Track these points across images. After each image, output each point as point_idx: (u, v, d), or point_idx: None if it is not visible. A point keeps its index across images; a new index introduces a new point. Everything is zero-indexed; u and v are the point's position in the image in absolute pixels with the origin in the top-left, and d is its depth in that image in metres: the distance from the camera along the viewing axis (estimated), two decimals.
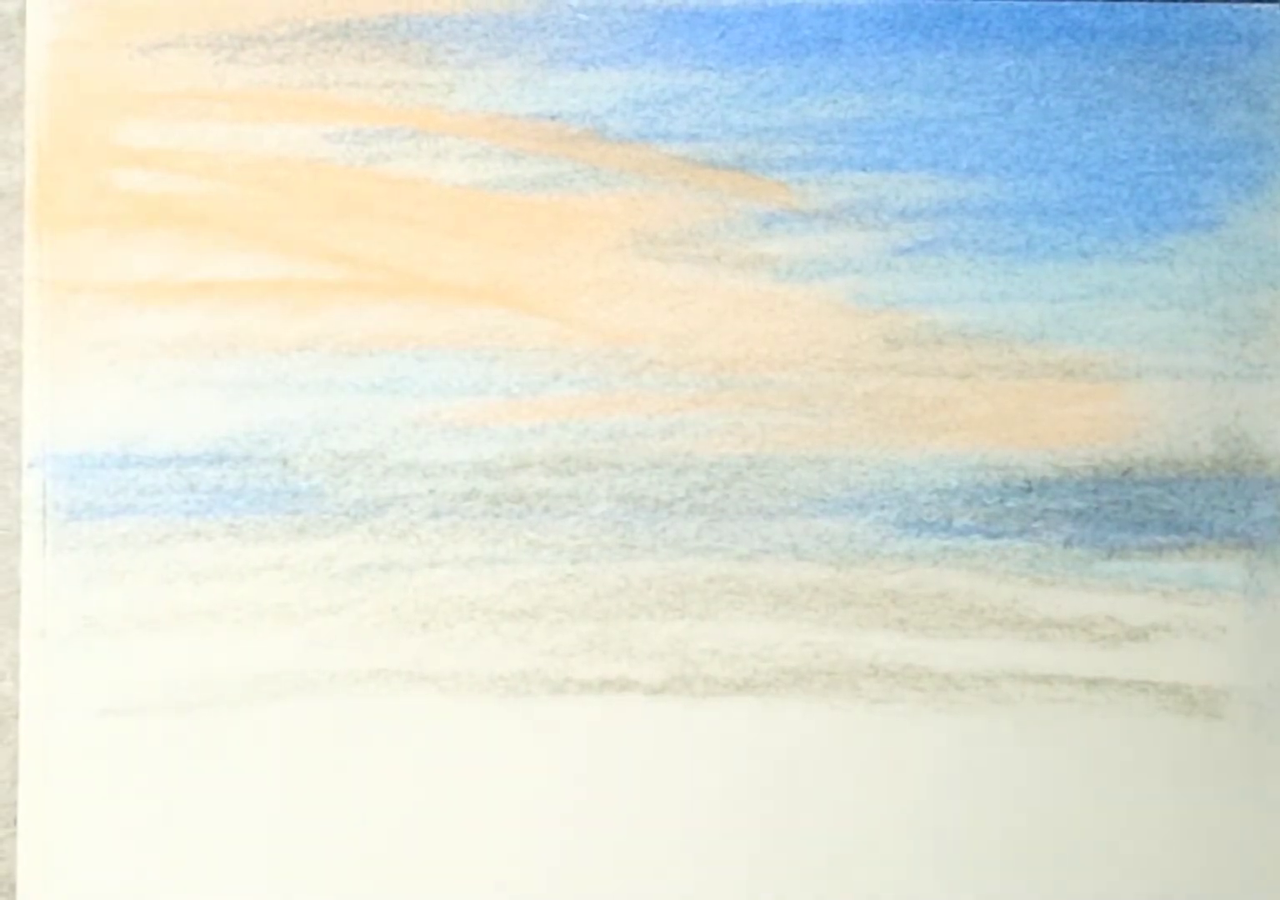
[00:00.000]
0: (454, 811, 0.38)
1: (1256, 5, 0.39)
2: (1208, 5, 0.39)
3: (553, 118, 0.39)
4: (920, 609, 0.39)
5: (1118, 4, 0.39)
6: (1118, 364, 0.39)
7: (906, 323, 0.39)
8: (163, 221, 0.38)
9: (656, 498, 0.39)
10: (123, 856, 0.38)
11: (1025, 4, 0.39)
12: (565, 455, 0.39)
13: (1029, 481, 0.39)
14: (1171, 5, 0.39)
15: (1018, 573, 0.39)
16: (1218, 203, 0.39)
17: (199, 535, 0.38)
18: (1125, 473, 0.39)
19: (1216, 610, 0.39)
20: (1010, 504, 0.39)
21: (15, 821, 0.38)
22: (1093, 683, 0.39)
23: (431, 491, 0.38)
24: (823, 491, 0.39)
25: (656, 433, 0.39)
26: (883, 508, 0.39)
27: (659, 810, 0.38)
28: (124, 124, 0.38)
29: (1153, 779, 0.39)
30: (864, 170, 0.39)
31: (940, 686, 0.38)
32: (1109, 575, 0.39)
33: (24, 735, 0.38)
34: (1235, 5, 0.39)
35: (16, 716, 0.38)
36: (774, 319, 0.39)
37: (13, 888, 0.38)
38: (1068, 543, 0.39)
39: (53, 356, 0.38)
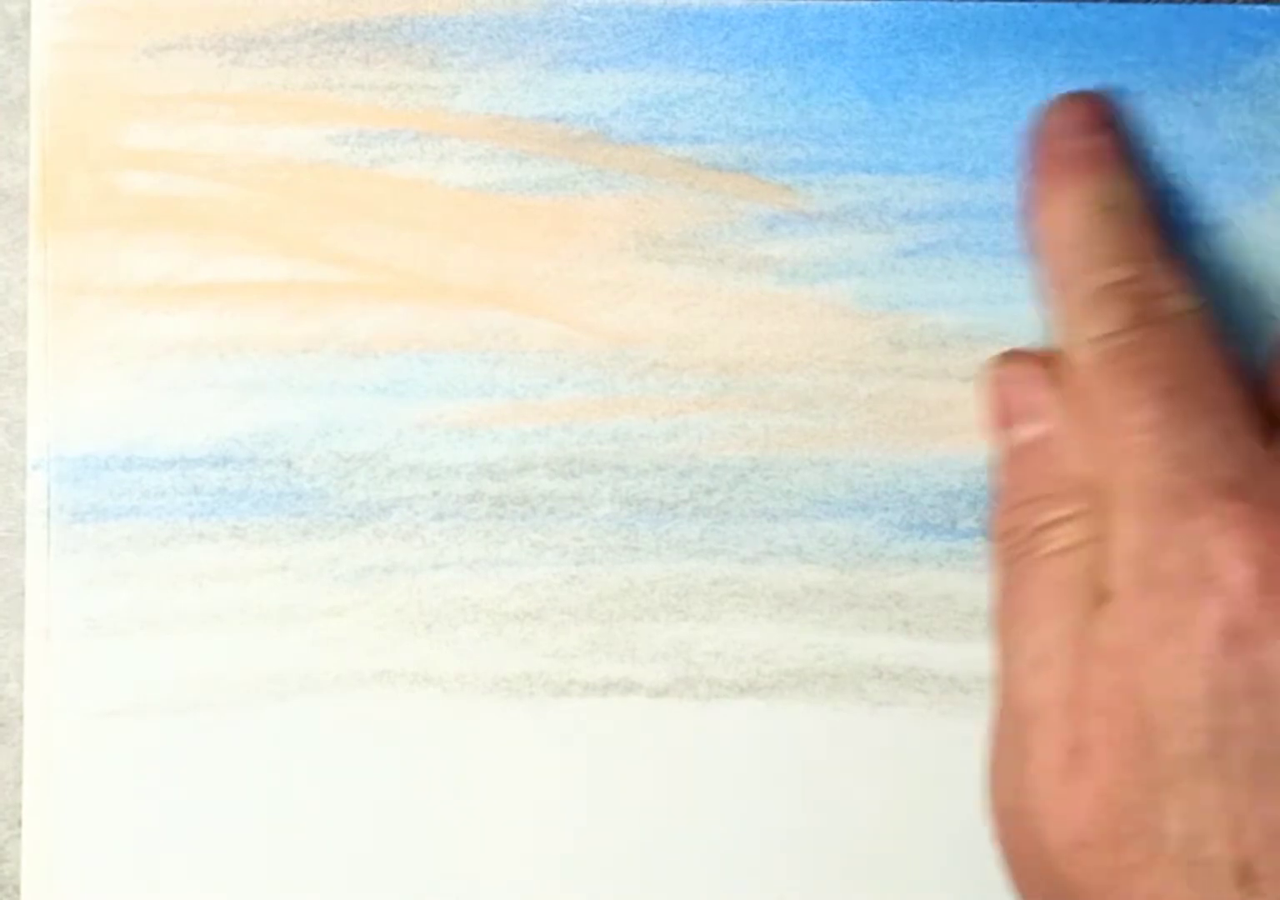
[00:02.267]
0: (457, 812, 0.38)
1: (1262, 7, 0.39)
2: (1212, 7, 0.39)
3: (557, 120, 0.39)
4: (925, 611, 0.39)
5: (1122, 6, 0.39)
6: None
7: (911, 325, 0.39)
8: (167, 223, 0.38)
9: (660, 500, 0.39)
10: (127, 857, 0.38)
11: (1030, 6, 0.39)
12: (569, 457, 0.39)
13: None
14: (1176, 7, 0.39)
15: None
16: (1222, 205, 0.39)
17: (203, 537, 0.38)
18: None
19: None
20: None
21: (19, 823, 0.38)
22: None
23: (436, 493, 0.38)
24: (827, 493, 0.39)
25: (661, 435, 0.39)
26: (887, 510, 0.39)
27: (663, 812, 0.38)
28: (128, 126, 0.38)
29: None
30: (868, 172, 0.39)
31: (945, 689, 0.38)
32: None
33: (28, 736, 0.38)
34: (1240, 7, 0.39)
35: (20, 717, 0.38)
36: (778, 321, 0.39)
37: (16, 889, 0.38)
38: None
39: (57, 358, 0.38)
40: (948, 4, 0.39)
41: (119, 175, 0.38)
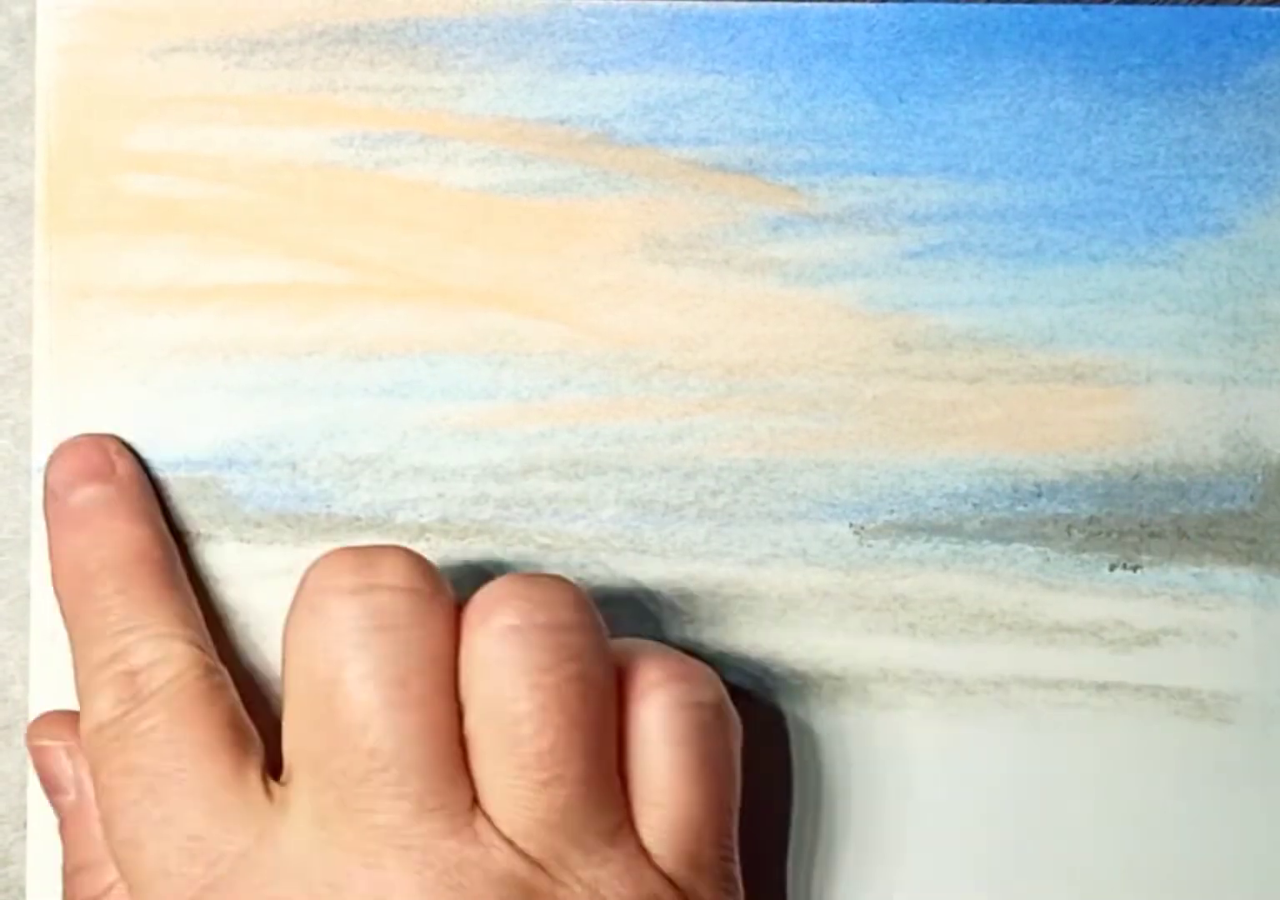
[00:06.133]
0: None
1: (1266, 9, 0.39)
2: (1217, 8, 0.39)
3: (561, 122, 0.39)
4: (930, 613, 0.39)
5: (1127, 8, 0.39)
6: (1127, 368, 0.39)
7: (916, 326, 0.39)
8: (172, 226, 0.38)
9: (666, 502, 0.39)
10: None
11: (1034, 7, 0.39)
12: (574, 459, 0.38)
13: (1039, 486, 0.39)
14: (1181, 9, 0.39)
15: (1027, 577, 0.39)
16: (1228, 206, 0.39)
17: (208, 540, 0.38)
18: (1135, 477, 0.39)
19: (1227, 615, 0.39)
20: (1020, 508, 0.39)
21: (25, 825, 0.38)
22: (1103, 687, 0.39)
23: (440, 496, 0.38)
24: (832, 496, 0.39)
25: (665, 437, 0.39)
26: (892, 512, 0.39)
27: None
28: (133, 128, 0.38)
29: (1162, 783, 0.38)
30: (874, 174, 0.39)
31: (950, 691, 0.38)
32: (1119, 580, 0.39)
33: None
34: (1245, 9, 0.39)
35: (26, 720, 0.38)
36: (783, 323, 0.39)
37: (22, 891, 0.38)
38: (1078, 547, 0.39)
39: (62, 361, 0.38)
40: (953, 6, 0.39)
41: (124, 178, 0.38)
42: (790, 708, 0.38)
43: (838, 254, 0.39)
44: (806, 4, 0.39)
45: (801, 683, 0.38)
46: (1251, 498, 0.39)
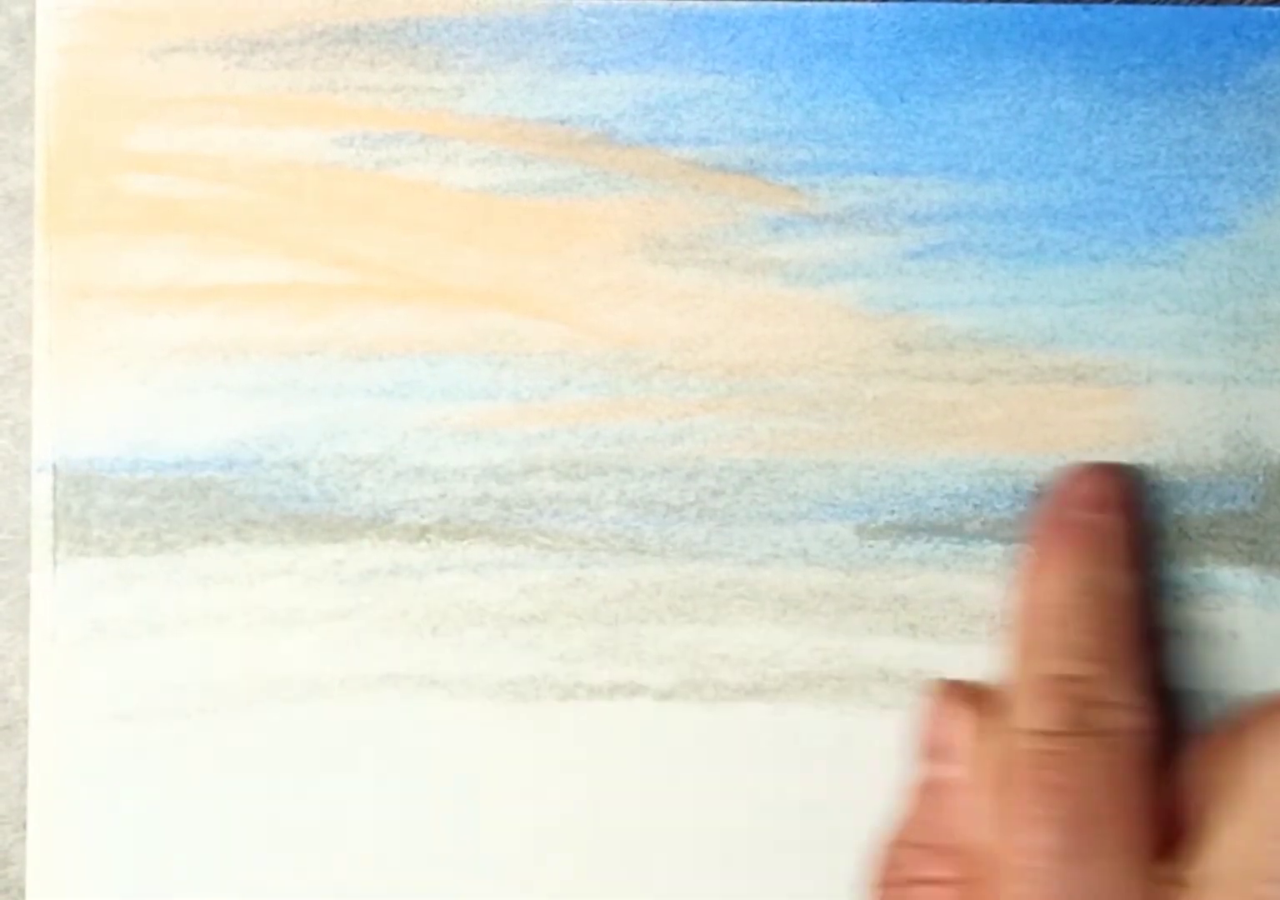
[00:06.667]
0: (463, 816, 0.38)
1: (1268, 9, 0.39)
2: (1219, 9, 0.39)
3: (562, 122, 0.39)
4: (931, 614, 0.39)
5: (1128, 7, 0.39)
6: (1128, 368, 0.39)
7: (917, 327, 0.39)
8: (172, 226, 0.38)
9: (666, 502, 0.39)
10: (132, 861, 0.38)
11: (1036, 7, 0.39)
12: (575, 460, 0.38)
13: (1040, 486, 0.39)
14: (1182, 9, 0.39)
15: None
16: (1229, 207, 0.39)
17: (208, 540, 0.38)
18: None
19: (1228, 615, 0.38)
20: (1022, 509, 0.39)
21: (24, 826, 0.38)
22: None
23: (442, 496, 0.38)
24: (833, 496, 0.39)
25: (666, 437, 0.39)
26: (893, 512, 0.39)
27: (669, 815, 0.38)
28: (133, 129, 0.38)
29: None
30: (875, 174, 0.39)
31: None
32: None
33: (33, 739, 0.38)
34: (1247, 9, 0.39)
35: (26, 721, 0.38)
36: (784, 323, 0.39)
37: (22, 891, 0.38)
38: None
39: (62, 361, 0.38)
40: (954, 5, 0.39)
41: (123, 178, 0.38)
42: (791, 708, 0.38)
43: (838, 254, 0.39)
44: (807, 3, 0.39)
45: (802, 683, 0.38)
46: (1253, 498, 0.39)
